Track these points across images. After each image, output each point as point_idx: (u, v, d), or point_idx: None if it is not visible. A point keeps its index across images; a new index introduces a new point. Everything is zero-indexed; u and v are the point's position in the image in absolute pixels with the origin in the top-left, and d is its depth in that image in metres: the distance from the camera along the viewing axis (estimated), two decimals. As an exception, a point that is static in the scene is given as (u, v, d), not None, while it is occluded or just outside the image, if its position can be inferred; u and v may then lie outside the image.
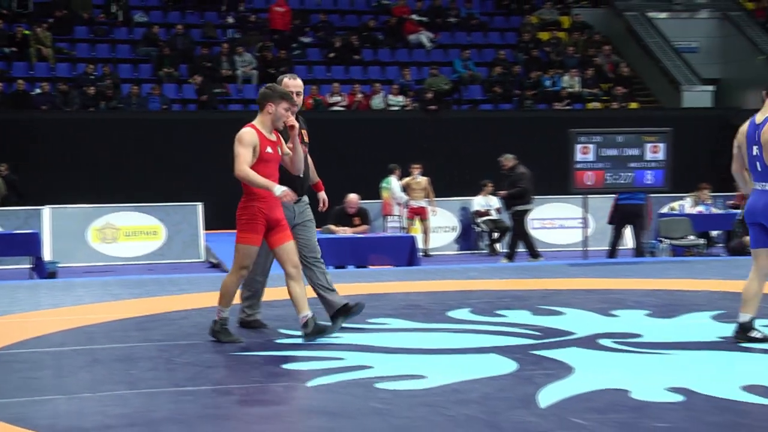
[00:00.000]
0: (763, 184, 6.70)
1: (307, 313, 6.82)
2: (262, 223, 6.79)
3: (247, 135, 6.76)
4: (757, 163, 6.71)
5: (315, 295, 7.30)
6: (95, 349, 6.77)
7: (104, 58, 22.43)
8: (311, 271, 7.28)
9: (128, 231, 16.18)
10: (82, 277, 12.72)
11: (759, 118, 6.75)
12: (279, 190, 6.67)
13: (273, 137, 6.87)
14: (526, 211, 14.93)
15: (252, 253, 6.84)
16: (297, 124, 7.03)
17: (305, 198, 7.42)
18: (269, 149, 6.80)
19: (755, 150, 6.72)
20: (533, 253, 14.72)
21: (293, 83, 7.29)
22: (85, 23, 23.47)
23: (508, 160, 15.03)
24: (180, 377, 5.85)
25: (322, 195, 7.61)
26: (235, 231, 6.84)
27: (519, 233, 14.88)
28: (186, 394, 5.40)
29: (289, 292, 6.85)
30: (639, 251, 14.37)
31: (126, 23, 23.80)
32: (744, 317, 6.71)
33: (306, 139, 7.35)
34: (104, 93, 20.87)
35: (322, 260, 7.38)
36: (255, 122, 6.87)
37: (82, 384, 5.73)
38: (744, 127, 6.82)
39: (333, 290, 7.36)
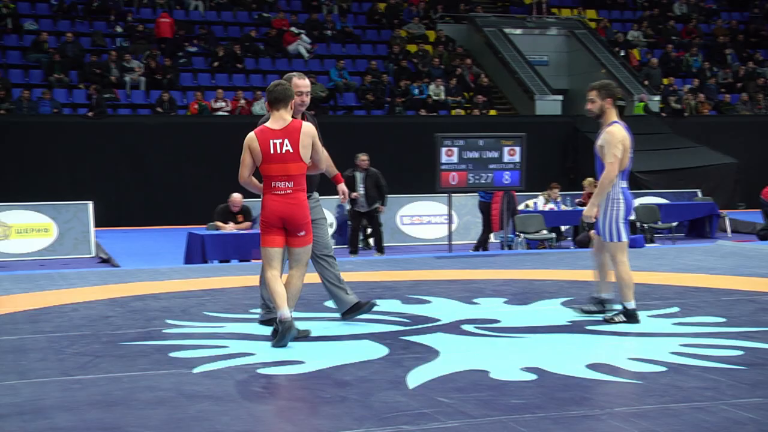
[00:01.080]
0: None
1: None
2: None
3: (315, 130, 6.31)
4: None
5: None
6: (-14, 342, 6.49)
7: (-6, 64, 21.62)
8: (322, 266, 6.91)
9: (20, 228, 15.59)
10: (-26, 273, 12.19)
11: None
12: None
13: None
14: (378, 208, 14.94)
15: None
16: None
17: (315, 194, 6.97)
18: None
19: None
20: (363, 246, 15.35)
21: (302, 83, 6.70)
22: (-25, 30, 22.55)
23: (364, 159, 14.67)
24: (69, 366, 5.66)
25: (342, 187, 7.07)
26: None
27: (379, 228, 14.91)
28: (75, 383, 5.23)
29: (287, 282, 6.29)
30: (480, 244, 14.62)
31: (16, 30, 22.94)
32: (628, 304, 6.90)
33: None
34: (-5, 96, 20.09)
35: (334, 257, 6.98)
36: (296, 117, 6.41)
37: (-27, 376, 5.49)
38: (624, 134, 6.82)
39: (343, 287, 7.00)
